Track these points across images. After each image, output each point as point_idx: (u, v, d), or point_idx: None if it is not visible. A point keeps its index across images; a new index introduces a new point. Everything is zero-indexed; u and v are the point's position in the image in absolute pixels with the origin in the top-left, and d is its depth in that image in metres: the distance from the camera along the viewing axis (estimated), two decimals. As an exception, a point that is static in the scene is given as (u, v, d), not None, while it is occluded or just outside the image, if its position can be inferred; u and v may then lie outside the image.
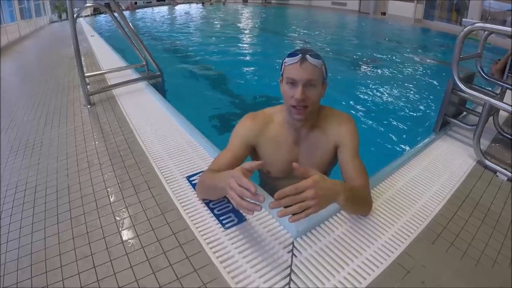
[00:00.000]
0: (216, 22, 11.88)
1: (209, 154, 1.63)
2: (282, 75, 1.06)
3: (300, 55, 0.99)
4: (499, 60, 3.35)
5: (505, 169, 1.50)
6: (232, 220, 1.15)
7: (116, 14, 2.87)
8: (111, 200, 1.33)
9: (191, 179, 1.42)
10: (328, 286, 0.92)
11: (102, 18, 12.33)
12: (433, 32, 9.54)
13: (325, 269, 0.97)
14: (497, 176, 1.51)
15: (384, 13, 12.59)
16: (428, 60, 5.81)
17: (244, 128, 1.14)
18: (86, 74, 2.56)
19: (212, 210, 1.21)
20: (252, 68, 5.18)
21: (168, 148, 1.71)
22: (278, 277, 0.95)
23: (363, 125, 3.10)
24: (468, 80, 1.84)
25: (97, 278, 0.96)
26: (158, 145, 1.75)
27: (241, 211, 1.20)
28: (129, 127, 2.01)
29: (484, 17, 8.78)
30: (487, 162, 1.56)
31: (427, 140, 1.80)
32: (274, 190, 0.82)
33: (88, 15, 12.95)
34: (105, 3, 3.10)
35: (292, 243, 1.07)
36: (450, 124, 1.91)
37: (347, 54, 6.33)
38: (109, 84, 2.91)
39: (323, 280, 0.93)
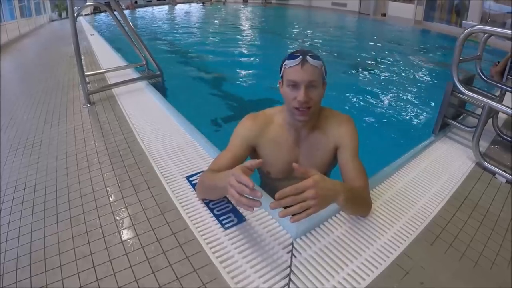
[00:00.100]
0: (216, 22, 11.87)
1: (209, 154, 1.63)
2: (281, 77, 1.06)
3: (300, 57, 0.99)
4: (499, 62, 3.35)
5: (504, 171, 1.51)
6: (232, 220, 1.15)
7: (116, 13, 2.87)
8: (111, 199, 1.33)
9: (190, 179, 1.42)
10: (327, 286, 0.92)
11: (102, 16, 12.33)
12: (433, 34, 9.56)
13: (325, 270, 0.97)
14: (496, 178, 1.51)
15: (384, 14, 12.60)
16: (427, 62, 5.82)
17: (244, 129, 1.14)
18: (86, 73, 2.56)
19: (211, 210, 1.21)
20: (252, 68, 5.18)
21: (168, 148, 1.71)
22: (277, 277, 0.95)
23: (362, 126, 3.10)
24: (468, 82, 1.84)
25: (97, 278, 0.96)
26: (158, 145, 1.75)
27: (240, 208, 1.20)
28: (128, 126, 2.01)
29: (484, 19, 8.79)
30: (486, 164, 1.57)
31: (426, 141, 1.80)
32: (274, 190, 0.82)
33: (88, 14, 12.94)
34: (105, 2, 3.10)
35: (292, 243, 1.07)
36: (450, 126, 1.91)
37: (347, 55, 6.34)
38: (109, 83, 2.91)
39: (322, 281, 0.94)
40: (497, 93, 1.93)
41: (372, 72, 5.18)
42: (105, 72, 3.27)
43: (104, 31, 8.09)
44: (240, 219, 1.16)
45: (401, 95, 4.06)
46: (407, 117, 3.42)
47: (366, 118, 3.31)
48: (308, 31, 9.34)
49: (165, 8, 17.12)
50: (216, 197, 1.22)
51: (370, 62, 5.82)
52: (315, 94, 1.02)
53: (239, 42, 7.44)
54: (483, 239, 1.13)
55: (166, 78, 3.13)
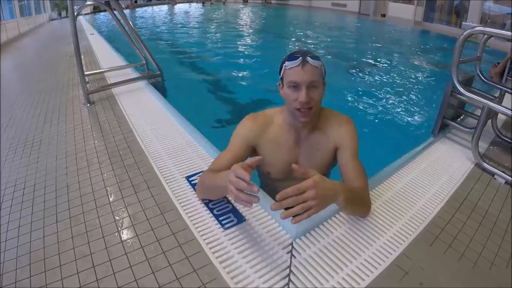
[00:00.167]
0: (216, 22, 11.87)
1: (208, 154, 1.63)
2: (281, 79, 1.06)
3: (300, 57, 0.99)
4: (498, 63, 3.36)
5: (503, 172, 1.51)
6: (232, 221, 1.16)
7: (116, 13, 2.86)
8: (110, 199, 1.33)
9: (190, 179, 1.42)
10: (327, 286, 0.92)
11: (102, 16, 12.31)
12: (432, 34, 9.57)
13: (324, 270, 0.97)
14: (495, 178, 1.52)
15: (384, 15, 12.60)
16: (427, 63, 5.83)
17: (245, 129, 1.14)
18: (85, 73, 2.55)
19: (211, 210, 1.21)
20: (252, 68, 5.18)
21: (167, 147, 1.71)
22: (277, 277, 0.95)
23: (362, 127, 3.09)
24: (467, 83, 1.84)
25: (96, 278, 0.96)
26: (158, 145, 1.75)
27: (240, 208, 1.20)
28: (128, 126, 2.01)
29: (483, 20, 8.80)
30: (485, 165, 1.57)
31: (425, 142, 1.81)
32: (274, 191, 0.83)
33: (88, 13, 12.93)
34: (105, 1, 3.09)
35: (291, 243, 1.07)
36: (449, 126, 1.92)
37: (347, 55, 6.34)
38: (109, 82, 2.91)
39: (322, 281, 0.94)
40: (497, 94, 1.93)
41: (372, 72, 5.18)
42: (104, 71, 3.27)
43: (104, 31, 8.08)
44: (240, 219, 1.16)
45: (400, 95, 4.06)
46: (407, 118, 3.42)
47: (366, 119, 3.31)
48: (308, 32, 9.33)
49: (165, 8, 17.11)
50: (216, 197, 1.22)
51: (369, 62, 5.82)
52: (316, 94, 1.02)
53: (239, 42, 7.44)
54: (482, 240, 1.13)
55: (166, 78, 3.13)
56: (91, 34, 6.39)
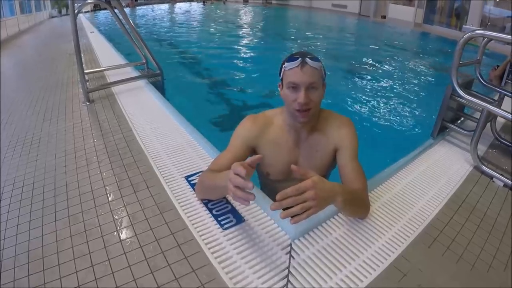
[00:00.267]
0: (217, 22, 11.86)
1: (208, 154, 1.63)
2: (281, 79, 1.07)
3: (300, 59, 0.99)
4: (498, 66, 3.37)
5: (502, 175, 1.52)
6: (231, 221, 1.16)
7: (116, 11, 2.86)
8: (110, 198, 1.33)
9: (190, 179, 1.42)
10: (325, 287, 0.93)
11: (102, 14, 12.29)
12: (432, 37, 9.59)
13: (323, 271, 0.98)
14: (493, 181, 1.52)
15: (384, 17, 12.62)
16: (427, 65, 5.84)
17: (244, 129, 1.14)
18: (85, 71, 2.55)
19: (210, 210, 1.21)
20: (252, 68, 5.19)
21: (167, 147, 1.71)
22: (276, 278, 0.95)
23: (361, 128, 3.10)
24: (467, 86, 1.85)
25: (95, 277, 0.96)
26: (157, 144, 1.75)
27: (239, 208, 1.20)
28: (128, 125, 2.01)
29: (483, 23, 8.83)
30: (484, 168, 1.58)
31: (425, 144, 1.81)
32: (274, 192, 0.83)
33: (88, 11, 12.90)
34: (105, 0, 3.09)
35: (290, 244, 1.07)
36: (448, 129, 1.92)
37: (347, 57, 6.35)
38: (109, 81, 2.90)
39: (320, 282, 0.94)
40: (496, 97, 1.94)
41: (371, 74, 5.19)
42: (104, 70, 3.27)
43: (104, 29, 8.07)
44: (239, 219, 1.16)
45: (400, 97, 4.07)
46: (406, 120, 3.43)
47: (365, 121, 3.32)
48: (308, 33, 9.35)
49: (165, 6, 17.09)
50: (215, 197, 1.22)
51: (369, 64, 5.83)
52: (315, 95, 1.02)
53: (239, 42, 7.45)
54: (480, 242, 1.14)
55: (166, 77, 3.13)
56: (91, 32, 6.37)
